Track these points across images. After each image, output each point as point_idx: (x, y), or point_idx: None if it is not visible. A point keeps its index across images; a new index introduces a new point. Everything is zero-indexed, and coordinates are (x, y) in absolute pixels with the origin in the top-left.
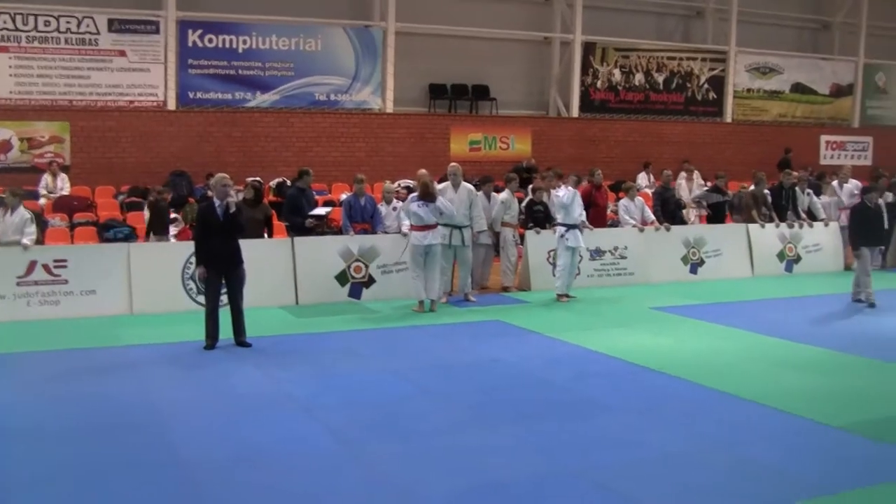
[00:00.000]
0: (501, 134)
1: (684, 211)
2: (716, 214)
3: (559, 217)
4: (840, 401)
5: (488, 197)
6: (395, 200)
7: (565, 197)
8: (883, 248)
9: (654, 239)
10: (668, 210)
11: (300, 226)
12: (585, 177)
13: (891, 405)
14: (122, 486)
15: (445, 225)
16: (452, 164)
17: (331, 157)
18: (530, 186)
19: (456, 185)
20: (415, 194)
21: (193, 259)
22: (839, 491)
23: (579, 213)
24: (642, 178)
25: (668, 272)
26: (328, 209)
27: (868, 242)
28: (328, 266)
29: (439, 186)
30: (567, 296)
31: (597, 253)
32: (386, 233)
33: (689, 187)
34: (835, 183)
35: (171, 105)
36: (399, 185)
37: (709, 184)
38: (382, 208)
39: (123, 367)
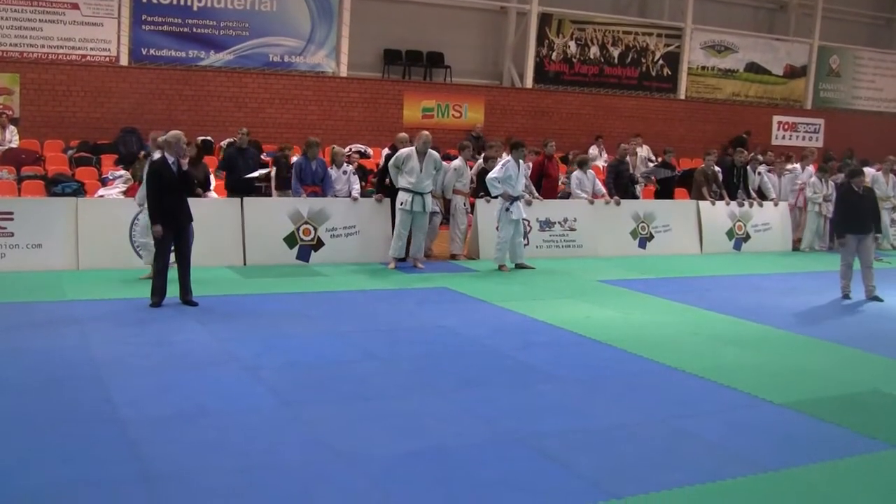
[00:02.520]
0: (455, 102)
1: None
2: (664, 190)
3: (496, 190)
4: (783, 378)
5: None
6: (345, 164)
7: (498, 171)
8: (878, 235)
9: (603, 212)
10: (621, 184)
11: (233, 185)
12: (534, 149)
13: (833, 384)
14: (58, 441)
15: (408, 191)
16: (424, 132)
17: (283, 119)
18: (482, 155)
19: (422, 153)
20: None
21: (141, 216)
22: (779, 468)
23: (524, 185)
24: (593, 151)
25: (616, 246)
26: (265, 171)
27: (854, 230)
28: (277, 227)
29: (402, 153)
30: (521, 265)
31: (546, 224)
32: (336, 196)
33: (633, 162)
34: (797, 165)
35: (124, 61)
36: (350, 149)
37: (659, 159)
38: (333, 172)
39: (66, 321)
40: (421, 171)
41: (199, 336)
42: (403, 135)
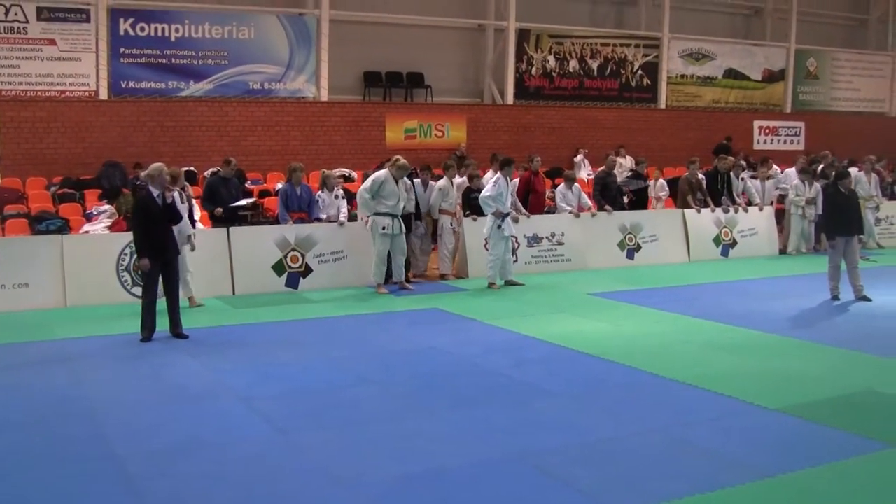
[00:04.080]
0: (437, 121)
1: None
2: (639, 200)
3: (489, 208)
4: (776, 383)
5: (425, 185)
6: (337, 189)
7: (491, 189)
8: (862, 236)
9: (590, 225)
10: (609, 195)
11: (219, 215)
12: (522, 165)
13: (827, 386)
14: (55, 478)
15: (385, 214)
16: (402, 159)
17: (266, 145)
18: (466, 174)
19: (399, 178)
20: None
21: (128, 251)
22: (777, 473)
23: (511, 202)
24: (577, 159)
25: (605, 258)
26: (250, 200)
27: (843, 231)
28: (264, 256)
29: (379, 177)
30: (511, 282)
31: (534, 239)
32: (318, 219)
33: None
34: (790, 170)
35: (104, 95)
36: (336, 172)
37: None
38: (325, 196)
39: (58, 360)
40: (398, 195)
41: (191, 368)
42: (403, 160)
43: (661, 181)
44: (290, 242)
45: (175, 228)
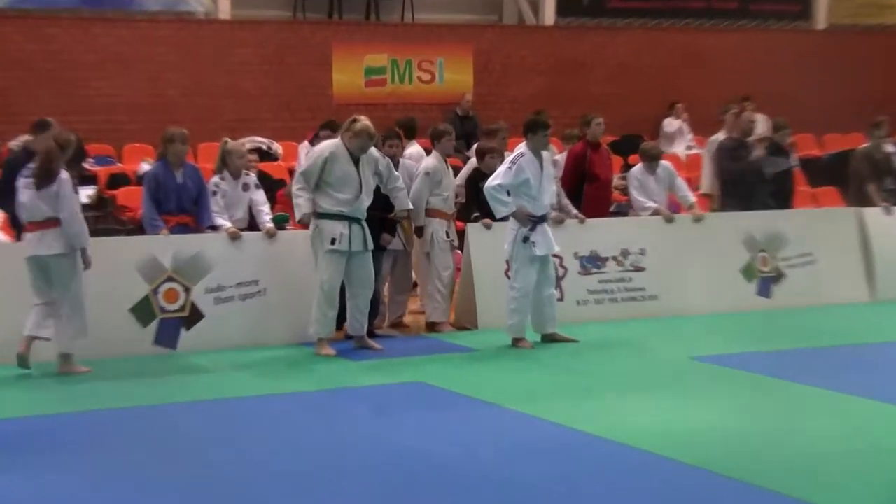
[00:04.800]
0: (421, 56)
1: None
2: (780, 190)
3: (503, 207)
4: None
5: (395, 165)
6: (247, 174)
7: (505, 174)
8: None
9: (691, 236)
10: (745, 185)
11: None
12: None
13: None
14: None
15: (336, 216)
16: (363, 121)
17: (121, 97)
18: (475, 147)
19: (361, 151)
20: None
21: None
22: None
23: (550, 196)
24: (670, 127)
25: (718, 295)
26: (90, 192)
27: None
28: (117, 291)
29: (321, 151)
30: (553, 337)
31: (592, 261)
32: (214, 227)
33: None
34: None
35: None
36: (245, 144)
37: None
38: (225, 186)
39: None
40: (360, 182)
41: None
42: (365, 122)
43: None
44: (163, 267)
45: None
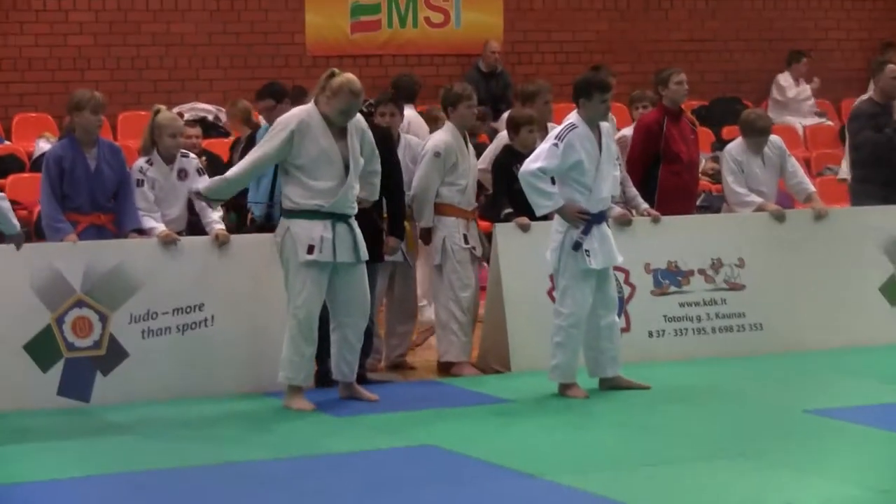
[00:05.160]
0: None
1: None
2: None
3: (545, 200)
4: None
5: (393, 140)
6: (186, 156)
7: (547, 155)
8: None
9: (810, 240)
10: (891, 163)
11: None
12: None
13: None
14: None
15: (313, 214)
16: (345, 76)
17: (7, 47)
18: (505, 116)
19: (344, 117)
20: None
21: None
22: None
23: (611, 186)
24: (787, 87)
25: (847, 322)
26: None
27: None
28: (8, 321)
29: (286, 119)
30: (616, 382)
31: (671, 277)
32: (140, 231)
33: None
34: None
35: None
36: (185, 114)
37: None
38: (154, 173)
39: None
40: (344, 163)
41: None
42: (344, 75)
43: None
44: (70, 286)
45: None
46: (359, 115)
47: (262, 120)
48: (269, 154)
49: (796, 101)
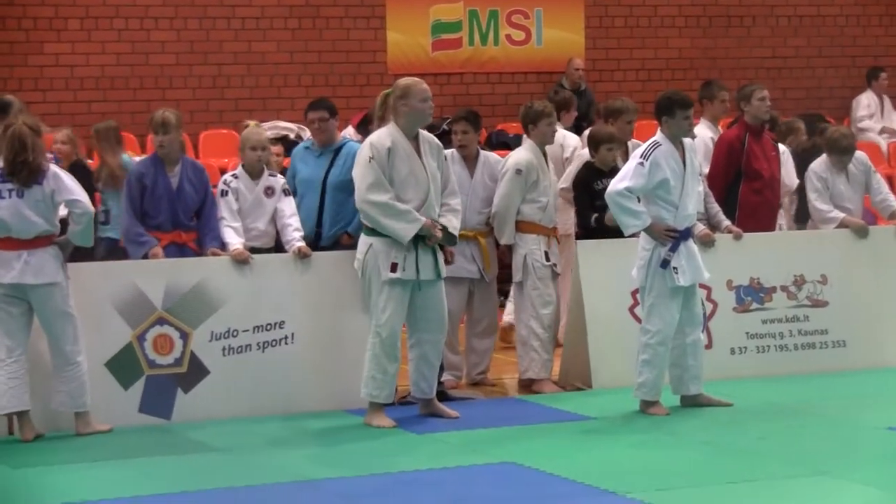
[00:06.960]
0: (512, 5)
1: None
2: None
3: (633, 220)
4: None
5: (465, 160)
6: (274, 175)
7: (634, 174)
8: None
9: (893, 256)
10: None
11: None
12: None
13: None
14: None
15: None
16: (418, 85)
17: (88, 65)
18: (586, 133)
19: (419, 125)
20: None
21: None
22: None
23: (696, 202)
24: (865, 105)
25: None
26: None
27: None
28: (90, 337)
29: (377, 140)
30: (698, 400)
31: (754, 294)
32: (222, 247)
33: None
34: None
35: None
36: (267, 132)
37: None
38: (240, 187)
39: None
40: (428, 179)
41: None
42: (407, 79)
43: None
44: (151, 304)
45: None
46: (432, 136)
47: (307, 133)
48: (375, 175)
49: (877, 116)
